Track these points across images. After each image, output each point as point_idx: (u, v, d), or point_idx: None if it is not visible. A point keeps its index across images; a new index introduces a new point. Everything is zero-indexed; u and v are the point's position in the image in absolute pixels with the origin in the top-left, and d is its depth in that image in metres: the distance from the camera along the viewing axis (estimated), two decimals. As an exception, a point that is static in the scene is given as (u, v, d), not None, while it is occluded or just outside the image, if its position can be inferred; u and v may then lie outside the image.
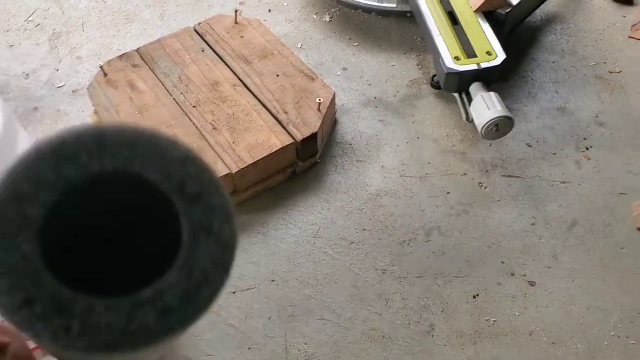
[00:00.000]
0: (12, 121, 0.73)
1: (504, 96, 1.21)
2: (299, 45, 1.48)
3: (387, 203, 1.16)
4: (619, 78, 1.37)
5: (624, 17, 1.51)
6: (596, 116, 1.30)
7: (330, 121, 1.29)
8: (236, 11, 1.39)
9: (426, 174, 1.21)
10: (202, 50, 1.35)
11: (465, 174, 1.21)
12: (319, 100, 1.21)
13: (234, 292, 1.05)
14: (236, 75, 1.29)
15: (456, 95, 1.28)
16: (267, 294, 1.05)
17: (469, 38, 1.26)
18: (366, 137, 1.27)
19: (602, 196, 1.17)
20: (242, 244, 1.11)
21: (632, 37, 1.46)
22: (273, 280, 1.07)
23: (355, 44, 1.47)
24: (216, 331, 1.01)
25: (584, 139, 1.26)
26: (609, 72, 1.39)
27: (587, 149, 1.24)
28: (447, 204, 1.16)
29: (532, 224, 1.13)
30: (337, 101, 1.30)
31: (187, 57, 1.33)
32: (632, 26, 1.48)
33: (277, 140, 1.16)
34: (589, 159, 1.22)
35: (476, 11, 1.31)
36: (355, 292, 1.05)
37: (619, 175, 1.20)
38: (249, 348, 0.99)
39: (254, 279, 1.07)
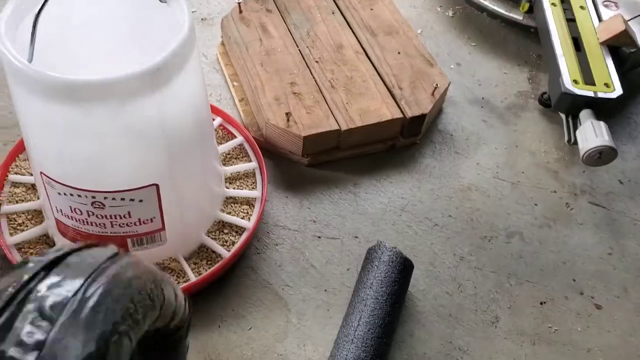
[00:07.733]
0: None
1: (608, 129, 1.24)
2: (419, 31, 1.53)
3: (476, 198, 1.21)
4: None
5: None
6: (691, 172, 1.32)
7: (438, 109, 1.34)
8: (373, -15, 1.44)
9: (518, 181, 1.25)
10: (333, 13, 1.40)
11: (555, 192, 1.24)
12: (435, 85, 1.26)
13: (319, 237, 1.12)
14: (360, 43, 1.35)
15: (563, 116, 1.31)
16: (349, 247, 1.10)
17: (591, 66, 1.30)
18: (467, 132, 1.32)
19: (682, 246, 1.20)
20: (333, 197, 1.18)
21: None
22: (356, 237, 1.12)
23: (473, 44, 1.51)
24: (298, 267, 1.07)
25: (675, 189, 1.29)
26: None
27: (676, 199, 1.27)
28: (533, 214, 1.20)
29: (609, 254, 1.16)
30: (447, 92, 1.35)
31: (318, 15, 1.39)
32: None
33: (387, 111, 1.22)
34: (675, 209, 1.25)
35: (602, 43, 1.34)
36: (431, 269, 1.10)
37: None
38: (325, 290, 1.05)
39: (338, 230, 1.13)
